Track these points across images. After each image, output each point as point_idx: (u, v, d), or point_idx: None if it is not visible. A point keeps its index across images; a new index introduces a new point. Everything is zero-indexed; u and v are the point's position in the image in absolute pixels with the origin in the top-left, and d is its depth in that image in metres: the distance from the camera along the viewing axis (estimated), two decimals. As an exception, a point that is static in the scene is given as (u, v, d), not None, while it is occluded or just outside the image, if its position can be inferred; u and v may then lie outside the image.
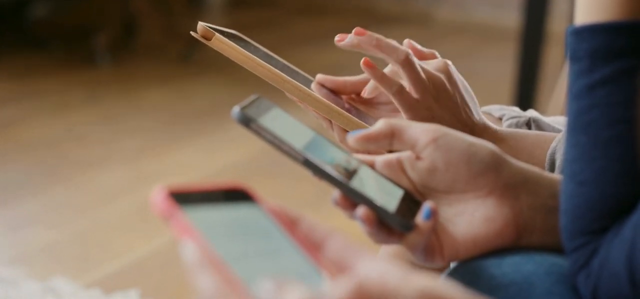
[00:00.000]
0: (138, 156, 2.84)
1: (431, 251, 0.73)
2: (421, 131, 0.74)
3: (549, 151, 0.90)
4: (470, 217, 0.73)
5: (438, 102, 0.92)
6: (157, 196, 0.54)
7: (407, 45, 0.98)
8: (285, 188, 2.58)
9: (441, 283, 0.53)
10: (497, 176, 0.73)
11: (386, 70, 0.96)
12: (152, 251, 2.14)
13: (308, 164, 0.71)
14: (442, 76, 0.93)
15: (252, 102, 0.73)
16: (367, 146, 0.75)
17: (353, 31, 0.93)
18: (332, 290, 0.51)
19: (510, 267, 0.71)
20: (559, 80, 2.38)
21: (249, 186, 0.59)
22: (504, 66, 3.87)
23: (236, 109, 0.70)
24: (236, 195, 0.58)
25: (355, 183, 0.72)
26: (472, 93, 0.96)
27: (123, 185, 2.60)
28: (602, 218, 0.66)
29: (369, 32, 0.92)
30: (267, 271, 0.52)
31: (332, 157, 0.74)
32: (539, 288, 0.69)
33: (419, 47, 0.99)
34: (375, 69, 0.92)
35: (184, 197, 0.55)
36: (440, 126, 0.75)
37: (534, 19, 2.74)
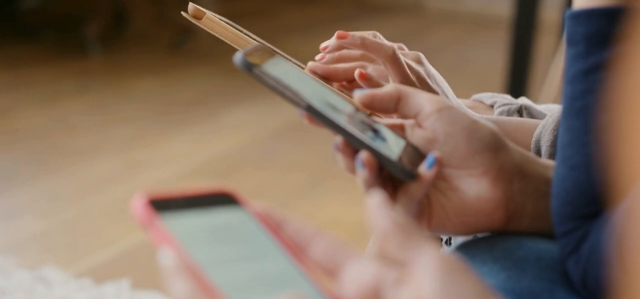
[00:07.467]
0: (129, 145, 2.83)
1: (421, 213, 0.73)
2: (427, 100, 0.74)
3: (534, 138, 0.89)
4: (462, 195, 0.73)
5: None
6: (137, 203, 0.53)
7: (338, 36, 0.94)
8: (275, 178, 2.57)
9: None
10: (494, 157, 0.73)
11: (370, 69, 0.97)
12: (143, 240, 2.14)
13: (311, 109, 0.70)
14: (420, 69, 0.94)
15: (255, 49, 0.72)
16: (372, 103, 0.75)
17: (335, 35, 0.93)
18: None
19: (501, 252, 0.71)
20: (550, 68, 2.38)
21: (233, 189, 0.58)
22: (495, 55, 3.87)
23: (239, 54, 0.70)
24: (221, 199, 0.57)
25: (357, 129, 0.71)
26: (446, 83, 0.97)
27: (113, 174, 2.59)
28: (593, 203, 0.66)
29: (351, 33, 0.92)
30: (249, 275, 0.51)
31: (334, 105, 0.73)
32: (529, 273, 0.69)
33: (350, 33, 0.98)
34: (371, 80, 0.93)
35: (164, 204, 0.54)
36: (447, 99, 0.75)
37: (525, 8, 2.74)
